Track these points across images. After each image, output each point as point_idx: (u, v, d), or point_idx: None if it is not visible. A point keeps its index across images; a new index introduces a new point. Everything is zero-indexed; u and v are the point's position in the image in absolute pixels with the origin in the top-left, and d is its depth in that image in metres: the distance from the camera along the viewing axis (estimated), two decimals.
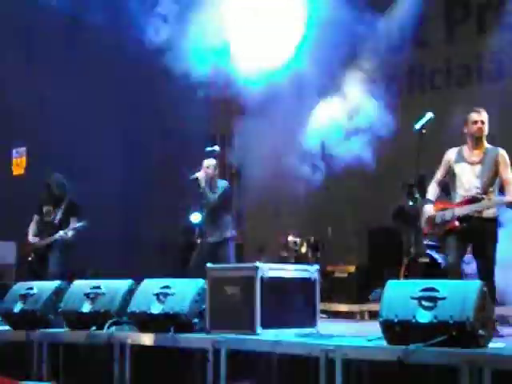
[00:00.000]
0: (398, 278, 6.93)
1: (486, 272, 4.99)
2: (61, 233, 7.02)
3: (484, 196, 5.07)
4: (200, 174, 6.91)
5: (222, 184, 7.07)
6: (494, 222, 5.12)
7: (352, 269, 8.52)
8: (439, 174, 5.37)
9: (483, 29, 9.18)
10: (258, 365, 4.35)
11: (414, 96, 9.66)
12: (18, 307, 5.63)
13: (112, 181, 9.57)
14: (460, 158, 5.23)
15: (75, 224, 7.08)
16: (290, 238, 8.76)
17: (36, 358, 5.28)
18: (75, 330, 5.29)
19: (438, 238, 5.76)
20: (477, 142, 5.17)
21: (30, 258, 7.20)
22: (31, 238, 7.23)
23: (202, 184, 6.87)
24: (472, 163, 5.18)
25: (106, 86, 9.61)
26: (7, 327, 5.75)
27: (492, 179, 5.12)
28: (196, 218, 9.17)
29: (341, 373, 3.85)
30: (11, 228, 8.49)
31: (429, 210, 5.30)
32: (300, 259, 8.51)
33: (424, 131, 5.21)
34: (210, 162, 7.03)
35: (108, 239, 9.60)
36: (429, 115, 5.26)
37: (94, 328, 5.07)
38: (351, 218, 9.02)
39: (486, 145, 5.22)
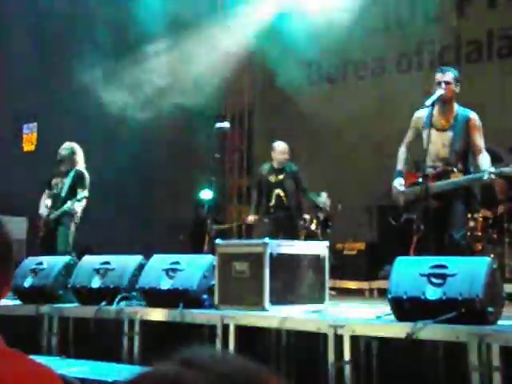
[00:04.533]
0: (407, 255, 6.90)
1: (451, 243, 4.68)
2: (68, 205, 6.94)
3: (454, 169, 4.74)
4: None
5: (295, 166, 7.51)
6: (463, 190, 4.77)
7: (362, 246, 8.51)
8: (408, 137, 5.03)
9: (494, 4, 9.01)
10: (267, 341, 4.36)
11: (424, 72, 9.53)
12: (28, 282, 5.65)
13: (124, 156, 9.56)
14: (428, 123, 4.84)
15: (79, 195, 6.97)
16: None
17: (46, 332, 5.33)
18: (85, 305, 5.32)
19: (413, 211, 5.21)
20: (444, 104, 4.83)
21: (41, 233, 7.20)
22: (41, 211, 7.21)
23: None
24: (441, 129, 4.81)
25: (117, 61, 9.56)
26: (17, 301, 5.79)
27: (463, 148, 4.76)
28: (207, 194, 9.16)
29: (349, 349, 3.85)
30: (22, 204, 8.53)
31: (397, 185, 4.97)
32: (310, 236, 8.49)
33: (434, 108, 5.09)
34: (286, 147, 7.41)
35: (118, 215, 9.62)
36: (439, 92, 5.15)
37: (103, 303, 5.09)
38: (361, 194, 8.98)
39: (456, 108, 4.86)
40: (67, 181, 7.12)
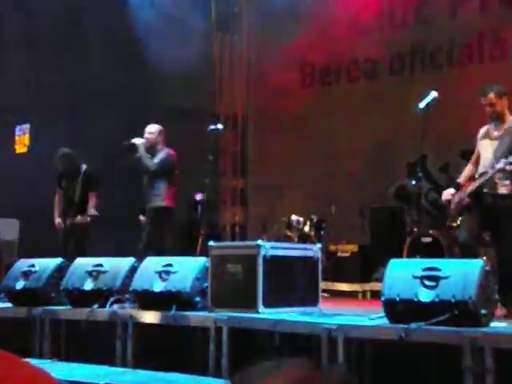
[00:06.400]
0: (400, 257, 6.92)
1: (504, 257, 4.87)
2: (78, 219, 6.97)
3: (490, 171, 4.92)
4: (138, 140, 6.65)
5: (165, 152, 6.75)
6: (509, 199, 4.91)
7: (355, 248, 8.51)
8: (475, 154, 5.25)
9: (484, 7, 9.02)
10: (260, 343, 4.35)
11: (415, 74, 9.55)
12: (19, 284, 5.62)
13: (114, 158, 9.53)
14: (485, 135, 5.12)
15: (91, 209, 7.00)
16: (293, 217, 8.74)
17: (38, 335, 5.30)
18: (77, 307, 5.29)
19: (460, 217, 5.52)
20: (497, 119, 5.05)
21: (60, 235, 7.21)
22: (57, 222, 7.17)
23: (140, 150, 6.58)
24: (493, 139, 5.06)
25: (106, 59, 9.53)
26: (9, 304, 5.75)
27: (508, 154, 4.92)
28: (200, 196, 9.15)
29: (342, 351, 3.85)
30: (14, 205, 8.49)
31: (445, 193, 5.23)
32: (303, 238, 8.50)
33: (428, 110, 5.13)
34: (152, 128, 6.79)
35: (111, 216, 9.58)
36: (433, 94, 5.18)
37: (96, 306, 5.08)
38: (354, 196, 9.00)
39: (510, 119, 5.06)
40: (78, 184, 7.09)
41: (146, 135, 6.75)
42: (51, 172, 7.43)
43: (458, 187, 5.21)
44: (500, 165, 4.78)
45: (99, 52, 9.42)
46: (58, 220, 7.18)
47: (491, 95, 5.00)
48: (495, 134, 5.04)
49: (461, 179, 5.27)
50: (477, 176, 5.07)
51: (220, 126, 7.28)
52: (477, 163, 5.19)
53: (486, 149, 5.05)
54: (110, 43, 9.37)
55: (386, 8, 9.68)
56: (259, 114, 10.91)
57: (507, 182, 4.87)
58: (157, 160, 6.65)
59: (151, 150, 6.70)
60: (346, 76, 10.24)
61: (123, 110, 9.61)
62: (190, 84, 9.51)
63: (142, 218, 7.03)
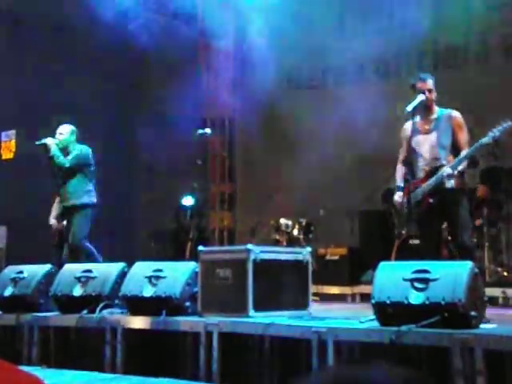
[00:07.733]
0: (389, 260, 6.94)
1: (462, 248, 4.81)
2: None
3: (444, 163, 4.88)
4: (50, 140, 6.61)
5: (78, 148, 6.73)
6: (457, 192, 4.89)
7: (344, 251, 8.53)
8: (402, 153, 5.16)
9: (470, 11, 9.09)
10: (251, 347, 4.35)
11: (401, 78, 9.59)
12: (8, 291, 5.60)
13: (102, 165, 9.50)
14: (415, 131, 5.02)
15: None
16: (282, 221, 8.74)
17: (26, 341, 5.26)
18: (66, 313, 5.26)
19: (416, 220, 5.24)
20: (426, 110, 5.00)
21: (53, 242, 7.16)
22: (51, 221, 7.16)
23: (52, 149, 6.53)
24: (426, 133, 4.99)
25: (91, 68, 9.49)
26: None
27: (451, 143, 4.91)
28: (189, 201, 9.14)
29: (333, 355, 3.85)
30: (1, 212, 8.44)
31: (397, 199, 5.13)
32: (292, 242, 8.50)
33: (416, 116, 5.13)
34: (63, 129, 6.79)
35: (99, 223, 9.54)
36: (420, 97, 5.18)
37: (85, 311, 5.05)
38: (343, 200, 9.02)
39: (437, 110, 5.03)
40: None
41: (57, 136, 6.74)
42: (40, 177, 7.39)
43: (404, 189, 5.08)
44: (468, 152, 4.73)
45: (85, 58, 9.39)
46: (52, 220, 7.15)
47: (430, 81, 4.98)
48: (426, 127, 5.00)
49: (400, 181, 5.13)
50: (422, 174, 4.96)
51: (208, 131, 7.28)
52: (407, 162, 5.09)
53: (423, 143, 4.97)
54: (95, 47, 9.35)
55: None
56: (246, 118, 10.91)
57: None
58: (70, 157, 6.62)
59: (65, 150, 6.67)
60: (334, 79, 10.28)
61: (110, 115, 9.58)
62: (177, 88, 9.50)
63: (53, 220, 7.12)
